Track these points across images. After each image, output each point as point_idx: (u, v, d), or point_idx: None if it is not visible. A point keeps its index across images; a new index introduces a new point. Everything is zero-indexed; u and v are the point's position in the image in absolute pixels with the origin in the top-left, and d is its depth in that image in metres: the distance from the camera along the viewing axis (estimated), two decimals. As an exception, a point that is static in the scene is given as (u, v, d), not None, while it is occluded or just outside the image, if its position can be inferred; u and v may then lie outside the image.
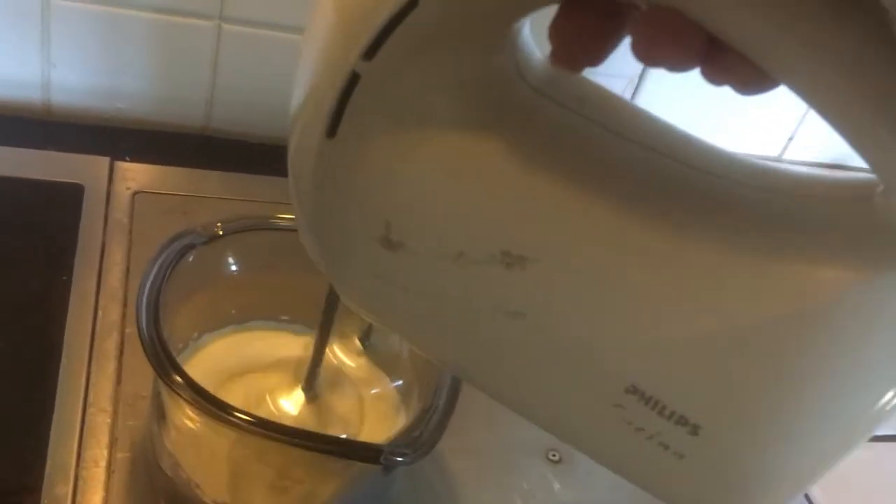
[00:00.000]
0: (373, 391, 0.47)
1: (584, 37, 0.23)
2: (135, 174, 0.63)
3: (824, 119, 0.21)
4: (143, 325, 0.37)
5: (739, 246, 0.24)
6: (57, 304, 0.52)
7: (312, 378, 0.43)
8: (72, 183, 0.60)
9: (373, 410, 0.46)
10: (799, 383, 0.23)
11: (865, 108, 0.20)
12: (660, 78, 0.77)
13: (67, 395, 0.48)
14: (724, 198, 0.25)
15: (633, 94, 0.80)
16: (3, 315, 0.51)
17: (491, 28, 0.25)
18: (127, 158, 0.64)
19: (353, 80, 0.24)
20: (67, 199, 0.59)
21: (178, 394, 0.36)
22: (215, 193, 0.64)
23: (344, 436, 0.43)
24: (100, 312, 0.52)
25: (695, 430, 0.24)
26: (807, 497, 0.58)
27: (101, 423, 0.47)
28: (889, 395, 0.22)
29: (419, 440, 0.36)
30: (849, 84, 0.20)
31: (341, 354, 0.47)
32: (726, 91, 0.23)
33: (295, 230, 0.30)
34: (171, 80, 0.68)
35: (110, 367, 0.50)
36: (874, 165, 0.21)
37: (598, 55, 0.24)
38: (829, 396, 0.23)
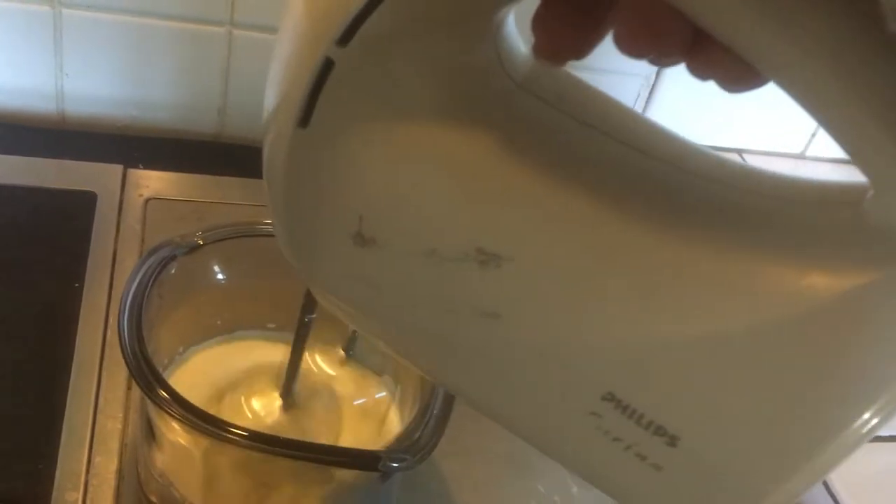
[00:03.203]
0: (355, 402, 0.46)
1: (566, 29, 0.23)
2: (147, 181, 0.63)
3: (813, 117, 0.20)
4: (126, 340, 0.37)
5: (723, 249, 0.23)
6: (69, 310, 0.52)
7: (290, 385, 0.42)
8: (85, 191, 0.60)
9: (353, 421, 0.45)
10: (784, 394, 0.22)
11: (855, 107, 0.19)
12: (677, 75, 0.76)
13: (78, 401, 0.48)
14: (709, 199, 0.24)
15: (650, 92, 0.79)
16: (15, 321, 0.51)
17: (471, 17, 0.24)
18: (140, 166, 0.64)
19: (328, 66, 0.23)
20: (80, 206, 0.59)
21: (166, 410, 0.35)
22: (228, 199, 0.64)
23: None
24: (111, 319, 0.52)
25: (673, 441, 0.23)
26: (833, 499, 0.57)
27: (111, 429, 0.47)
28: (879, 403, 0.21)
29: (417, 444, 0.35)
30: (838, 81, 0.19)
31: (323, 364, 0.46)
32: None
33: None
34: (184, 87, 0.68)
35: (121, 373, 0.50)
36: (865, 167, 0.21)
37: (581, 48, 0.23)
38: (815, 408, 0.22)
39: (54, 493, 0.43)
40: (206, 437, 0.35)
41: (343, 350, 0.47)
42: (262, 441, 0.35)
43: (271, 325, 0.48)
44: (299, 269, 0.29)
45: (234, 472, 0.40)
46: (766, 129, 0.84)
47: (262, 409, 0.43)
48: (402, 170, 0.25)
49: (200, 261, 0.43)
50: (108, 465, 0.45)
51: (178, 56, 0.66)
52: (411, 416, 0.38)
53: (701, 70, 0.22)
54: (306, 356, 0.43)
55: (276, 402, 0.44)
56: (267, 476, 0.40)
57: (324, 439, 0.43)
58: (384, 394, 0.46)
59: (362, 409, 0.46)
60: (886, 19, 0.17)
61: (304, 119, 0.25)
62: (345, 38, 0.23)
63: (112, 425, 0.47)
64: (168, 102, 0.68)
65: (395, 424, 0.45)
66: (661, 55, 0.22)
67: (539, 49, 0.24)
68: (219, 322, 0.47)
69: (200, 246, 0.42)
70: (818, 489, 0.56)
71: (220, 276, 0.45)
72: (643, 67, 0.76)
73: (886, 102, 0.19)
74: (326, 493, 0.41)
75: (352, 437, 0.44)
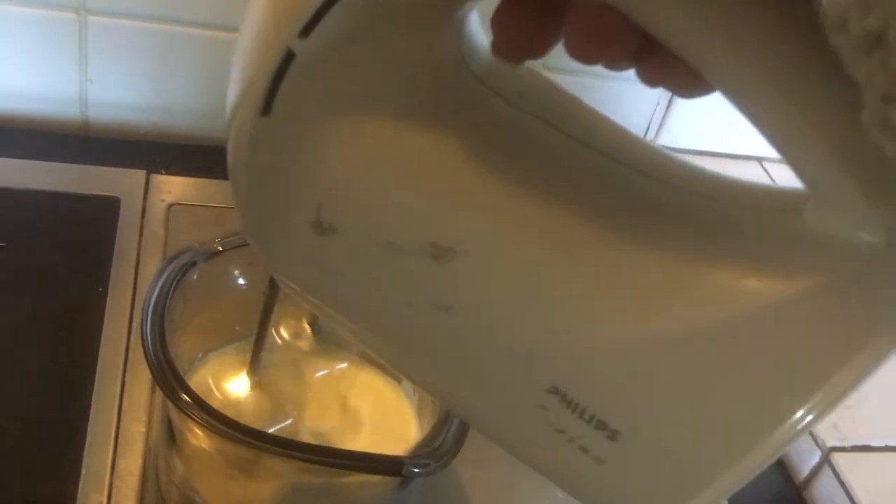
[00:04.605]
0: (318, 374, 0.46)
1: (524, 29, 0.23)
2: (170, 187, 0.64)
3: (754, 125, 0.21)
4: (150, 345, 0.37)
5: (668, 251, 0.24)
6: (93, 314, 0.53)
7: (256, 362, 0.42)
8: (108, 196, 0.61)
9: (317, 393, 0.45)
10: (721, 394, 0.23)
11: (796, 117, 0.20)
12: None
13: (102, 404, 0.48)
14: (657, 201, 0.25)
15: (670, 99, 0.79)
16: (40, 325, 0.52)
17: (433, 13, 0.25)
18: (162, 171, 0.65)
19: (289, 57, 0.24)
20: (104, 211, 0.60)
21: (188, 414, 0.35)
22: (249, 205, 0.64)
23: (289, 420, 0.43)
24: (135, 323, 0.53)
25: (613, 436, 0.23)
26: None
27: (135, 432, 0.48)
28: (813, 401, 0.21)
29: (440, 450, 0.35)
30: (780, 92, 0.20)
31: (289, 337, 0.46)
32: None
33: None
34: (206, 93, 0.68)
35: (145, 376, 0.50)
36: (803, 175, 0.21)
37: (538, 48, 0.23)
38: (751, 407, 0.22)
39: (79, 495, 0.44)
40: (228, 442, 0.36)
41: (308, 325, 0.47)
42: (284, 446, 0.35)
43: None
44: (260, 253, 0.30)
45: (254, 476, 0.40)
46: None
47: (231, 386, 0.44)
48: (360, 161, 0.26)
49: (221, 267, 0.44)
50: (131, 468, 0.46)
51: (202, 63, 0.67)
52: (431, 422, 0.38)
53: (650, 76, 0.22)
54: (272, 331, 0.44)
55: (244, 378, 0.44)
56: (288, 481, 0.40)
57: (289, 411, 0.44)
58: (345, 365, 0.47)
59: (325, 381, 0.46)
60: (829, 33, 0.18)
61: (266, 107, 0.25)
62: (306, 29, 0.23)
63: (136, 428, 0.48)
64: (191, 108, 0.69)
65: (414, 431, 0.45)
66: (611, 61, 0.22)
67: (497, 48, 0.24)
68: (238, 328, 0.47)
69: (220, 252, 0.43)
70: (842, 499, 0.56)
71: (240, 282, 0.45)
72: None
73: (824, 115, 0.20)
74: (346, 497, 0.41)
75: (316, 409, 0.45)
